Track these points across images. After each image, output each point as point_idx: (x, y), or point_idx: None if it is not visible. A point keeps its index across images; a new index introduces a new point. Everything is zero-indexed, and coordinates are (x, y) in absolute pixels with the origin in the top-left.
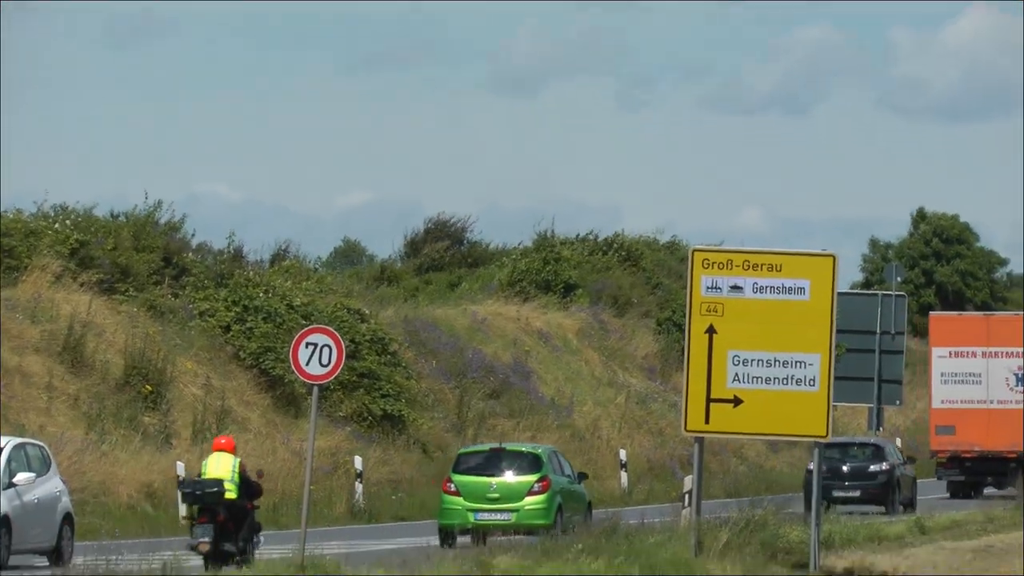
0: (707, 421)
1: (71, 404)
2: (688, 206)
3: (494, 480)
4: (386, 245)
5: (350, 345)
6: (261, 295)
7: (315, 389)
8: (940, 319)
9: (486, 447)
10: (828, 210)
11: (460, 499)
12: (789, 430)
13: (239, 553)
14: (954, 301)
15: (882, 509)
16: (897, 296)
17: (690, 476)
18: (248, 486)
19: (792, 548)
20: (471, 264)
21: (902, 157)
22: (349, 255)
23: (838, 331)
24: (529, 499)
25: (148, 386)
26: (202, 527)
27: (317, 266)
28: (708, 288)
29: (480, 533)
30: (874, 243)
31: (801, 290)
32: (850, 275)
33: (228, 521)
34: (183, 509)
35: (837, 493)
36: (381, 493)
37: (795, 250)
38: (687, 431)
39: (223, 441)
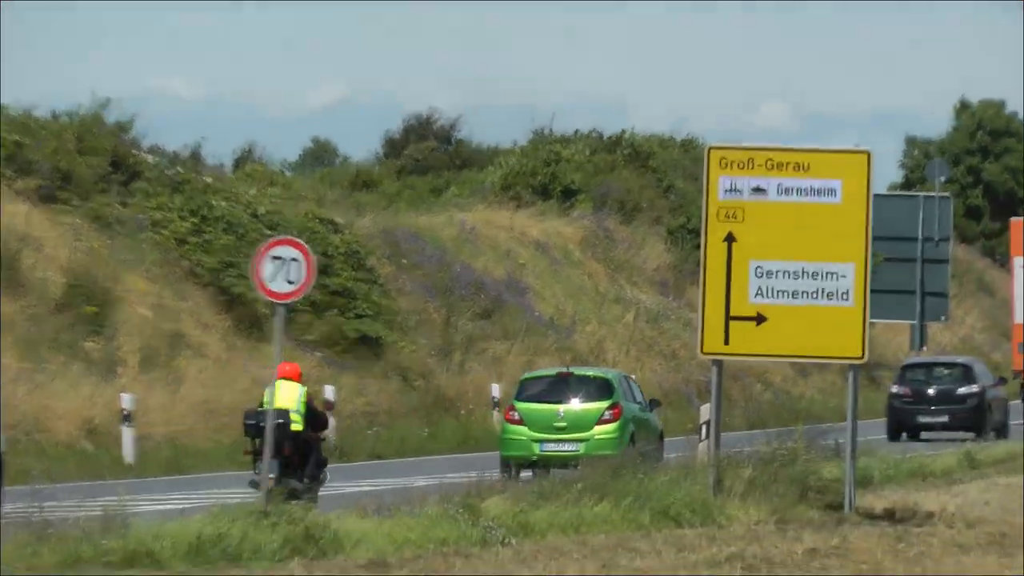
0: (727, 342)
1: (4, 328)
2: (704, 101)
3: (561, 408)
4: (362, 146)
5: (321, 259)
6: (222, 203)
7: (281, 309)
8: (1022, 224)
9: (552, 371)
10: (861, 104)
11: (524, 428)
12: (820, 351)
13: (305, 490)
14: (1005, 202)
15: (971, 435)
16: (941, 197)
17: (707, 405)
18: (314, 417)
19: (825, 486)
20: (458, 166)
21: (941, 42)
22: (320, 157)
23: (874, 238)
24: (599, 428)
25: (91, 307)
26: (269, 461)
27: (284, 169)
28: (727, 191)
29: (545, 465)
30: (912, 139)
31: (832, 192)
32: (887, 174)
33: (294, 455)
34: (247, 442)
35: (923, 419)
36: (355, 427)
37: (825, 147)
38: (704, 353)
39: (288, 368)
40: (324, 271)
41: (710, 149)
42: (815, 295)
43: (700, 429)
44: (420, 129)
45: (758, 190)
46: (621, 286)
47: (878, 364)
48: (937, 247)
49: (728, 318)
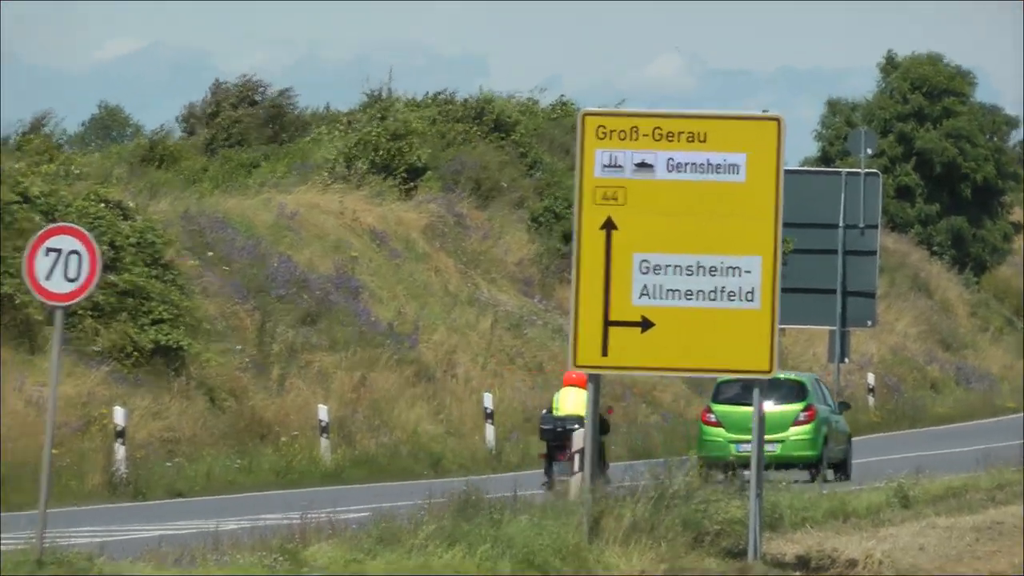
0: (605, 352)
1: None
2: (579, 55)
3: None
4: (159, 113)
5: (108, 251)
6: None
7: (59, 313)
8: None
9: None
10: (773, 59)
11: (721, 430)
12: (719, 363)
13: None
14: (945, 178)
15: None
16: (868, 174)
17: (582, 430)
18: (600, 422)
19: (725, 529)
20: (275, 138)
21: None
22: (108, 126)
23: (786, 224)
24: (794, 429)
25: None
26: (561, 464)
27: (63, 141)
28: (605, 167)
29: (736, 466)
30: (834, 103)
31: (734, 168)
32: (802, 147)
33: None
34: (541, 445)
35: None
36: (151, 458)
37: (726, 112)
38: (577, 367)
39: (575, 375)
40: (112, 267)
41: (584, 115)
42: (713, 295)
43: (572, 459)
44: (238, 97)
45: (644, 166)
46: (476, 284)
47: None
48: (863, 236)
49: (607, 324)
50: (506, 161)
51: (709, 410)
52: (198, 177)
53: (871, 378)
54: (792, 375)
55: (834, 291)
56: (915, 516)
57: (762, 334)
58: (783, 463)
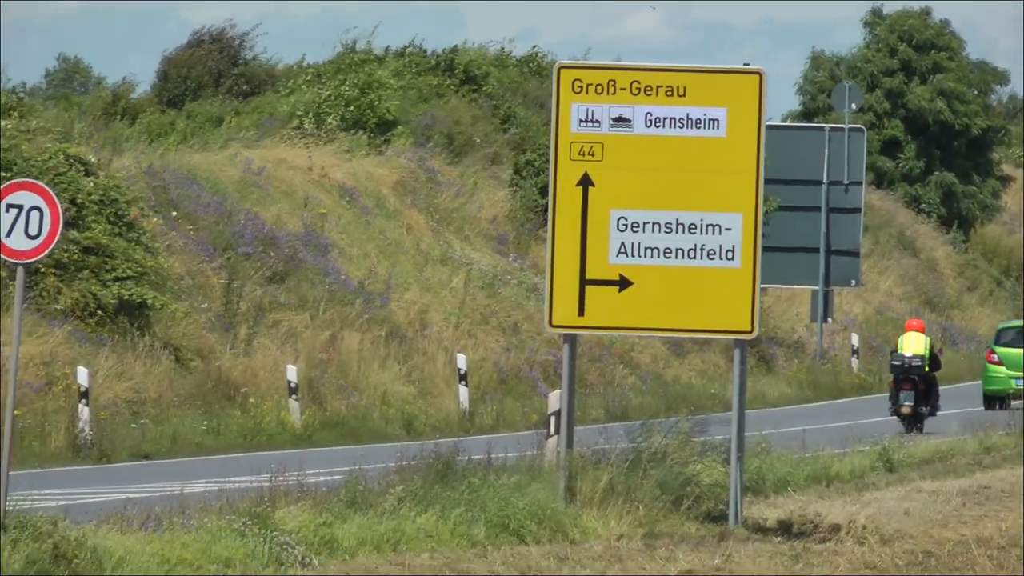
0: (581, 312)
1: None
2: (556, 7)
3: None
4: (124, 65)
5: (70, 208)
6: None
7: (20, 271)
8: None
9: (1021, 323)
10: (755, 12)
11: (1002, 368)
12: (699, 324)
13: (928, 415)
14: (935, 134)
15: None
16: (852, 130)
17: (557, 391)
18: (934, 360)
19: (705, 493)
20: (244, 92)
21: None
22: (70, 79)
23: (768, 181)
24: None
25: None
26: (905, 393)
27: (22, 94)
28: (582, 122)
29: (1009, 398)
30: (817, 57)
31: (714, 123)
32: (785, 101)
33: (924, 389)
34: (889, 378)
35: None
36: (116, 420)
37: (706, 66)
38: (553, 327)
39: (915, 323)
40: (74, 223)
41: (560, 68)
42: (693, 254)
43: (548, 422)
44: (212, 47)
45: (621, 120)
46: (448, 242)
47: (771, 340)
48: (847, 193)
49: (583, 283)
50: (479, 116)
51: (992, 351)
52: (164, 132)
53: (855, 339)
54: None
55: (817, 250)
56: (900, 480)
57: (743, 294)
58: None
